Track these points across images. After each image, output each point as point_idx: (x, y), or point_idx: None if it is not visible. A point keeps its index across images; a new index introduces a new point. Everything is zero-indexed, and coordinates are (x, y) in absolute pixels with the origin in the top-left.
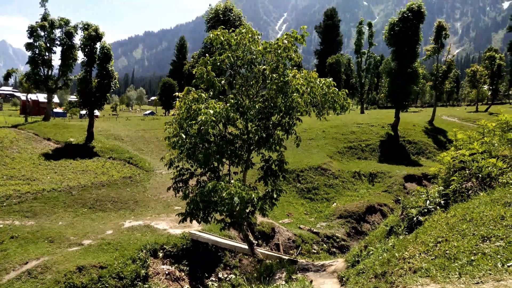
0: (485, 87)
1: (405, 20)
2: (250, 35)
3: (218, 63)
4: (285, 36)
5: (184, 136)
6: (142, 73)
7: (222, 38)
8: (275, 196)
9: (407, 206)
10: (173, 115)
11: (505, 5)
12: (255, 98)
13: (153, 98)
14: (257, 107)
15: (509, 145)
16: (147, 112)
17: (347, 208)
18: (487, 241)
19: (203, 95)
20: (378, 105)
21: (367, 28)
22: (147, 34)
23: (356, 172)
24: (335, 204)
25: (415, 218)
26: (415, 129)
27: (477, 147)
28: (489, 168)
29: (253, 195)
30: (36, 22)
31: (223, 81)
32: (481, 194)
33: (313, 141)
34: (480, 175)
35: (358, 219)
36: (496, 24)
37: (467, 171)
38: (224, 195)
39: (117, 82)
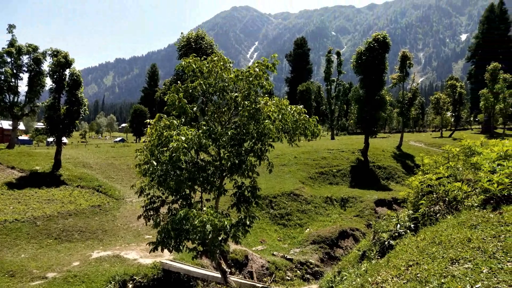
0: (448, 113)
1: (372, 50)
2: (222, 63)
3: (190, 90)
4: (256, 64)
5: (155, 163)
6: (113, 99)
7: (194, 65)
8: (248, 223)
9: (379, 230)
10: (144, 142)
11: (463, 37)
12: (228, 124)
13: (123, 125)
14: (229, 134)
15: (473, 169)
16: (118, 139)
17: (320, 234)
18: (456, 263)
19: (175, 121)
20: (348, 131)
21: (336, 57)
22: (118, 61)
23: (328, 197)
24: (308, 229)
25: (386, 242)
26: (384, 155)
27: (443, 172)
28: (455, 192)
29: (226, 222)
30: (3, 48)
31: (195, 108)
32: (449, 217)
33: (286, 167)
34: (447, 199)
35: (331, 244)
36: (455, 54)
37: (435, 195)
38: (196, 222)
39: (87, 109)
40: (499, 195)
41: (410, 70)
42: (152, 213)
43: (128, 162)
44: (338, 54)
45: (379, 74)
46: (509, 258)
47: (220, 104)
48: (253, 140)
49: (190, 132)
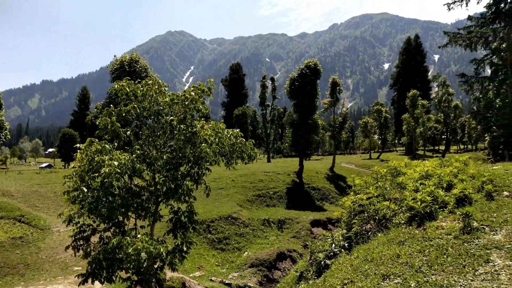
0: (376, 136)
1: (304, 76)
2: (157, 87)
3: (124, 114)
4: (192, 88)
5: (85, 190)
6: (39, 123)
7: (127, 89)
8: (185, 249)
9: (315, 250)
10: (73, 167)
11: (386, 66)
12: (163, 148)
13: (51, 150)
14: (165, 158)
15: (399, 189)
16: (44, 165)
17: (258, 257)
18: (387, 279)
19: (107, 146)
20: (283, 154)
21: (270, 82)
22: (45, 83)
23: (266, 219)
24: (246, 253)
25: (322, 262)
26: (318, 176)
27: (373, 191)
28: (384, 210)
29: (162, 249)
30: None
31: (128, 132)
32: (379, 235)
33: (223, 190)
34: (377, 217)
35: (270, 267)
36: (380, 82)
37: (366, 214)
38: (130, 251)
39: (8, 133)
40: (422, 212)
41: (340, 95)
42: (82, 242)
43: (56, 189)
44: (272, 79)
45: (311, 99)
46: (433, 271)
47: (155, 128)
48: (190, 164)
49: (124, 156)
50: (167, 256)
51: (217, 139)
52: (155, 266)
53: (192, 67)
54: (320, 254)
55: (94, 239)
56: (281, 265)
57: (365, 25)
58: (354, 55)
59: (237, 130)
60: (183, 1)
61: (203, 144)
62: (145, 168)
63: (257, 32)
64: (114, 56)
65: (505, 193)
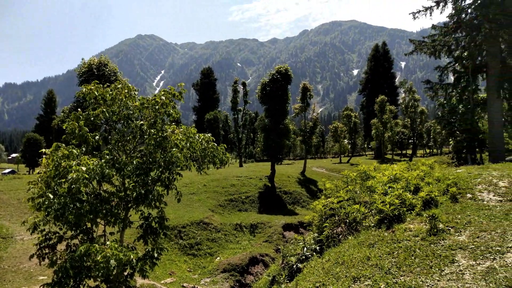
0: (346, 141)
1: (275, 81)
2: (126, 91)
3: (92, 118)
4: (162, 93)
5: (51, 196)
6: (1, 127)
7: (96, 92)
8: (156, 255)
9: (287, 254)
10: (38, 173)
11: (355, 72)
12: (133, 153)
13: (14, 155)
14: (135, 163)
15: (369, 192)
16: (7, 170)
17: (230, 262)
18: (358, 281)
19: (74, 151)
20: (255, 159)
21: (242, 87)
22: (7, 85)
23: (238, 224)
24: (218, 258)
25: (294, 266)
26: (290, 180)
27: (343, 195)
28: (354, 214)
29: (132, 256)
30: None
31: (97, 137)
32: (350, 237)
33: (195, 195)
34: (347, 220)
35: (242, 272)
36: (349, 87)
37: (337, 217)
38: (98, 258)
39: None
40: (391, 214)
41: (311, 101)
42: (47, 251)
43: (19, 195)
44: (244, 84)
45: (282, 104)
46: (402, 273)
47: (125, 133)
48: (160, 169)
49: (92, 162)
50: (138, 263)
51: (188, 144)
52: (125, 274)
53: (162, 71)
54: (292, 258)
55: (61, 247)
56: (253, 269)
57: (334, 31)
58: (324, 61)
59: (209, 134)
60: (154, 5)
61: (174, 149)
62: (114, 173)
63: (228, 37)
64: (82, 59)
65: (469, 195)
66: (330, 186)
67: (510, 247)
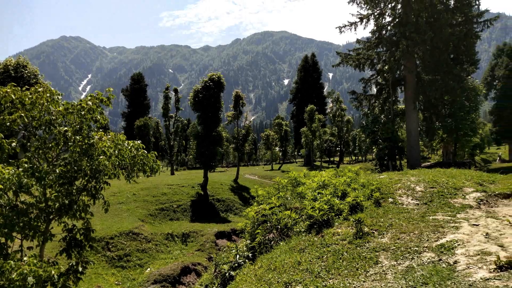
0: (277, 148)
1: (208, 88)
2: (48, 94)
3: (8, 123)
4: (89, 98)
5: None
6: None
7: (13, 96)
8: (80, 269)
9: (220, 262)
10: None
11: (286, 82)
12: (56, 161)
13: None
14: (57, 171)
15: (299, 198)
16: None
17: (161, 272)
18: (289, 286)
19: None
20: (187, 166)
21: (174, 93)
22: None
23: (169, 233)
24: (149, 269)
25: (227, 274)
26: (223, 188)
27: (275, 201)
28: (285, 220)
29: (53, 272)
30: None
31: (14, 143)
32: (281, 243)
33: (124, 204)
34: (279, 226)
35: (174, 282)
36: (280, 96)
37: (269, 224)
38: (14, 276)
39: None
40: (320, 219)
41: (243, 108)
42: None
43: None
44: (176, 91)
45: (215, 111)
46: (331, 276)
47: (47, 139)
48: (86, 178)
49: (7, 171)
50: (60, 278)
51: (116, 151)
52: None
53: (89, 75)
54: (224, 266)
55: None
56: (185, 279)
57: (266, 41)
58: (256, 70)
59: (139, 141)
60: (80, 5)
61: (101, 157)
62: (34, 183)
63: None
64: None
65: (390, 199)
66: (262, 193)
67: (426, 247)
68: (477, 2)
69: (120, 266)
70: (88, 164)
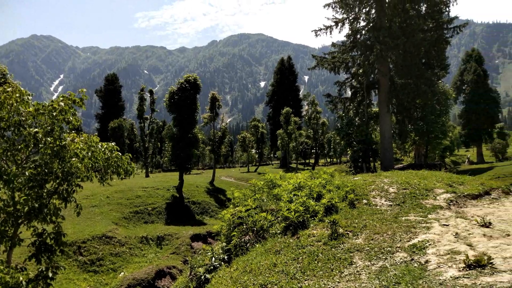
0: (253, 151)
1: (184, 90)
2: (18, 95)
3: None
4: (61, 98)
5: None
6: None
7: None
8: (50, 274)
9: (195, 265)
10: None
11: (262, 84)
12: (25, 164)
13: None
14: (27, 174)
15: (275, 200)
16: None
17: (135, 276)
18: None
19: None
20: (162, 169)
21: (149, 95)
22: None
23: (144, 236)
24: (122, 273)
25: (202, 277)
26: (198, 190)
27: (251, 203)
28: (261, 222)
29: (21, 278)
30: None
31: None
32: (257, 245)
33: (97, 208)
34: (255, 228)
35: (148, 286)
36: (257, 99)
37: (245, 226)
38: None
39: None
40: (296, 221)
41: (220, 110)
42: None
43: None
44: (151, 92)
45: (191, 113)
46: (306, 277)
47: (15, 141)
48: (58, 181)
49: None
50: (28, 285)
51: (90, 153)
52: None
53: (61, 76)
54: (200, 268)
55: None
56: (160, 283)
57: (242, 43)
58: (233, 72)
59: (113, 143)
60: (51, 4)
61: (74, 159)
62: (1, 186)
63: (134, 43)
64: None
65: (364, 201)
66: (238, 195)
67: (399, 247)
68: (447, 9)
69: (92, 270)
70: (59, 167)
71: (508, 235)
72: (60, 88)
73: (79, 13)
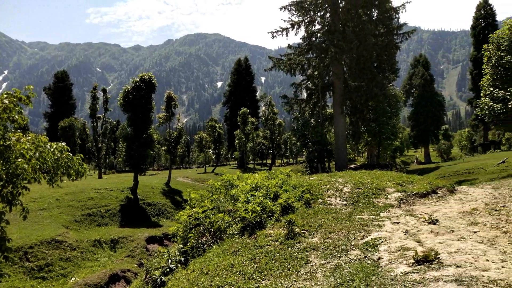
0: (210, 151)
1: (138, 89)
2: None
3: None
4: (5, 96)
5: None
6: None
7: None
8: None
9: (150, 268)
10: None
11: (219, 84)
12: None
13: None
14: None
15: (233, 201)
16: None
17: (87, 281)
18: None
19: None
20: (116, 170)
21: (102, 93)
22: None
23: (97, 240)
24: (73, 279)
25: (158, 280)
26: (154, 191)
27: (208, 204)
28: (218, 223)
29: None
30: None
31: None
32: (214, 246)
33: (45, 211)
34: (212, 230)
35: None
36: (214, 99)
37: (202, 227)
38: None
39: None
40: (253, 221)
41: (176, 110)
42: None
43: None
44: (104, 91)
45: (146, 112)
46: (263, 277)
47: None
48: (1, 183)
49: None
50: None
51: (37, 154)
52: None
53: (6, 72)
54: (156, 271)
55: None
56: (114, 287)
57: (199, 43)
58: (189, 71)
59: (63, 143)
60: None
61: (20, 160)
62: None
63: (86, 40)
64: None
65: (320, 200)
66: (195, 196)
67: (353, 245)
68: (397, 16)
69: (40, 277)
70: (3, 168)
71: (453, 231)
72: (4, 85)
73: (25, 6)
